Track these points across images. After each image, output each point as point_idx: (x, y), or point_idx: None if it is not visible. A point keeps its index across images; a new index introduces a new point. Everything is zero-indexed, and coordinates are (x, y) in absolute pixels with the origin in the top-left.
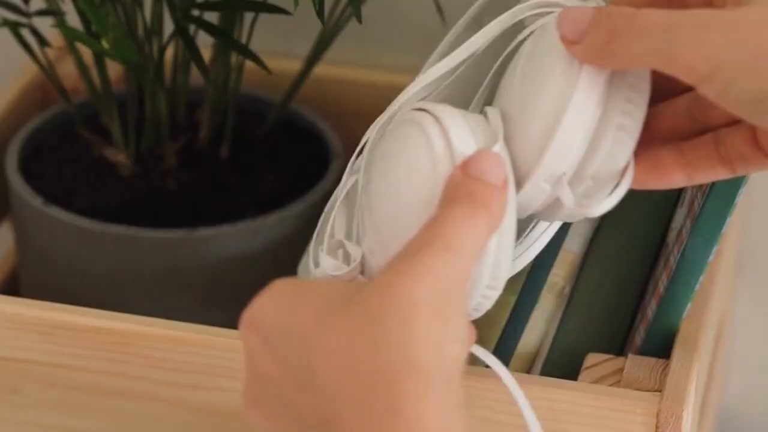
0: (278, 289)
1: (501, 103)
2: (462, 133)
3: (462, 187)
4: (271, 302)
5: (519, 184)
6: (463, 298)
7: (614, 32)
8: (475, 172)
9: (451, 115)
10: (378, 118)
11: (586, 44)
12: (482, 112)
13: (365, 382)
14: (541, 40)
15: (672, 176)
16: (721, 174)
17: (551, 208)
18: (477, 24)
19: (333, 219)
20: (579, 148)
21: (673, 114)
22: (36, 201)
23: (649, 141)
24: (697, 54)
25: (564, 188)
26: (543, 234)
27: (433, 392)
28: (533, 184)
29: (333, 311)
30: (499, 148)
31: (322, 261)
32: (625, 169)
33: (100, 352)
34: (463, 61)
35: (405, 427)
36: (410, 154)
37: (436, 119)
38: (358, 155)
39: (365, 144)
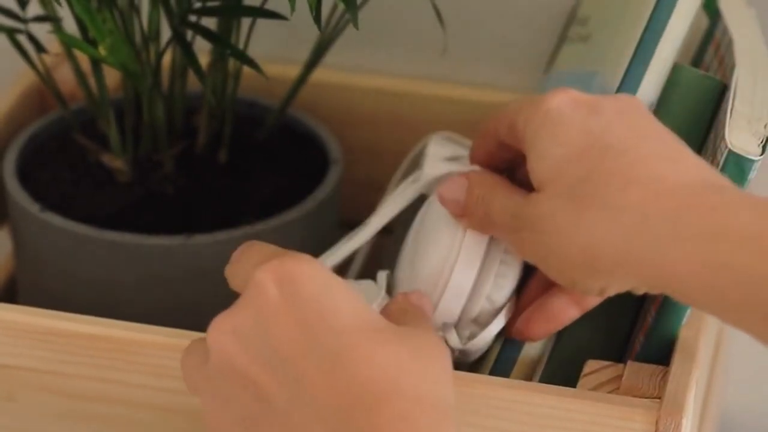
0: (316, 265)
1: (398, 266)
2: None
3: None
4: (306, 268)
5: None
6: None
7: (480, 222)
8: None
9: None
10: None
11: (467, 223)
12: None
13: (408, 398)
14: (432, 207)
15: (568, 315)
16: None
17: None
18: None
19: None
20: (463, 301)
21: None
22: (33, 207)
23: (543, 293)
24: (524, 255)
25: (451, 332)
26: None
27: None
28: None
29: (380, 328)
30: (379, 302)
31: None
32: (502, 307)
33: (96, 359)
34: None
35: None
36: None
37: None
38: None
39: None
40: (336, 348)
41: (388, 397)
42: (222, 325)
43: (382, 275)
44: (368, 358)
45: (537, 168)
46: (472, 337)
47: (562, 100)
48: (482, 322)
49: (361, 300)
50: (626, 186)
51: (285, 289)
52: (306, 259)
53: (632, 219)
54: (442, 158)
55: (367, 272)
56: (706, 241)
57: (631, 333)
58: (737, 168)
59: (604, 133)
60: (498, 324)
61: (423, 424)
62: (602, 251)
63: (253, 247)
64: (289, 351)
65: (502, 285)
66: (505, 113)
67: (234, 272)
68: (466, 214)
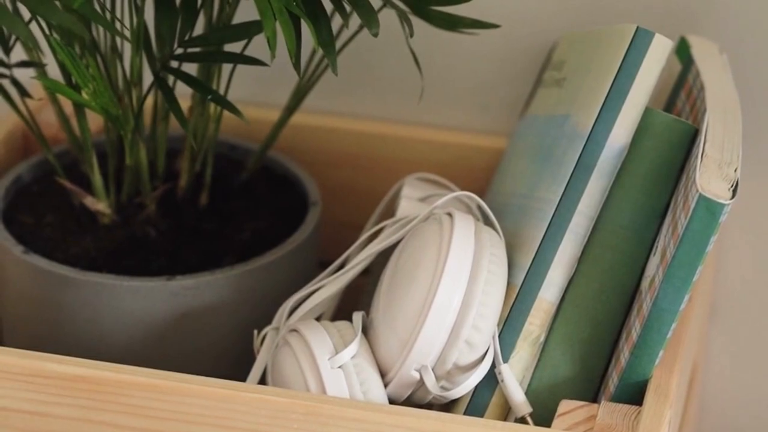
0: None
1: (373, 306)
2: (320, 341)
3: None
4: None
5: (388, 372)
6: None
7: None
8: None
9: (311, 329)
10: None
11: None
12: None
13: None
14: (407, 247)
15: None
16: None
17: (419, 392)
18: None
19: None
20: (442, 340)
21: None
22: (17, 249)
23: None
24: None
25: (429, 374)
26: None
27: None
28: (403, 373)
29: None
30: (356, 343)
31: None
32: (485, 354)
33: (79, 400)
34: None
35: None
36: (283, 371)
37: (301, 335)
38: None
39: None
40: None
41: None
42: None
43: (358, 316)
44: None
45: None
46: (451, 380)
47: None
48: (462, 366)
49: None
50: None
51: None
52: None
53: None
54: (415, 199)
55: (342, 313)
56: None
57: (605, 373)
58: (708, 212)
59: None
60: (479, 375)
61: None
62: None
63: None
64: None
65: (481, 327)
66: None
67: None
68: None
